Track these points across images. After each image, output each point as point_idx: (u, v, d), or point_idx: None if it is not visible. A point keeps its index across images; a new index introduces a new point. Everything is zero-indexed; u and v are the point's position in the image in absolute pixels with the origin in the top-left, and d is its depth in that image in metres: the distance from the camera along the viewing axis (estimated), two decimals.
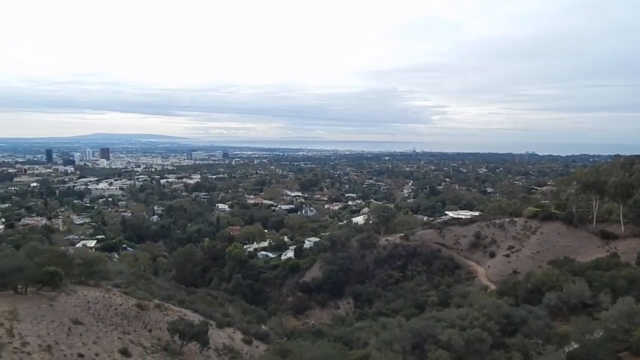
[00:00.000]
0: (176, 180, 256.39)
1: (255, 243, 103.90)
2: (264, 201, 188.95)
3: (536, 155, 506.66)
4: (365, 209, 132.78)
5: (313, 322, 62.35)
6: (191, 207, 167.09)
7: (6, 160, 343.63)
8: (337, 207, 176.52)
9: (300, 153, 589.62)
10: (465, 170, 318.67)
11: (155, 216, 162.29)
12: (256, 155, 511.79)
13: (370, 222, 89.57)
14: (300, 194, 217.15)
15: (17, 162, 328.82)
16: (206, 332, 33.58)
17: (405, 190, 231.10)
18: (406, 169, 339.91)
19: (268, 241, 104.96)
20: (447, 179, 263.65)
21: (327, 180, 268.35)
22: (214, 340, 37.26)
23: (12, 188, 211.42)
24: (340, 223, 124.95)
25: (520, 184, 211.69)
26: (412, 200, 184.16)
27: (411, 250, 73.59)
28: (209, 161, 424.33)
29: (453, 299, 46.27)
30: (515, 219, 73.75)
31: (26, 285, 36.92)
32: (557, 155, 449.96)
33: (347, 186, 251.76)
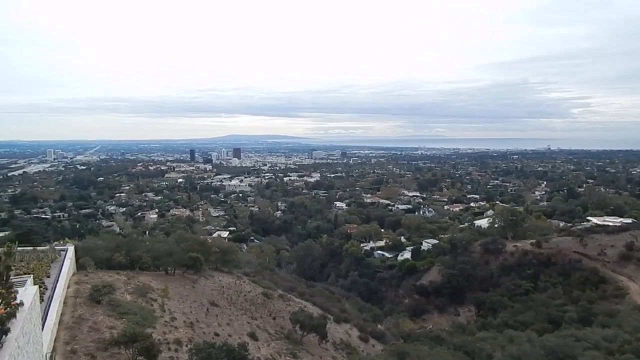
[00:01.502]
0: (297, 178, 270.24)
1: (371, 242, 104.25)
2: (381, 200, 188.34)
3: None
4: (490, 212, 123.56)
5: (430, 326, 60.25)
6: (311, 204, 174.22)
7: (159, 159, 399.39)
8: (457, 209, 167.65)
9: (419, 152, 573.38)
10: (613, 171, 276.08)
11: (279, 212, 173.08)
12: (373, 155, 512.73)
13: (496, 225, 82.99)
14: (418, 194, 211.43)
15: (167, 161, 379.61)
16: (325, 325, 34.79)
17: (537, 192, 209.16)
18: (538, 169, 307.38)
19: (385, 241, 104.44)
20: (590, 180, 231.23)
21: (447, 180, 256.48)
22: (332, 334, 38.40)
23: (164, 183, 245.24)
24: (461, 225, 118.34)
25: None
26: (545, 203, 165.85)
27: (544, 258, 66.43)
28: (328, 160, 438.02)
29: (597, 317, 40.58)
30: None
31: (174, 267, 42.47)
32: None
33: (469, 186, 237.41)
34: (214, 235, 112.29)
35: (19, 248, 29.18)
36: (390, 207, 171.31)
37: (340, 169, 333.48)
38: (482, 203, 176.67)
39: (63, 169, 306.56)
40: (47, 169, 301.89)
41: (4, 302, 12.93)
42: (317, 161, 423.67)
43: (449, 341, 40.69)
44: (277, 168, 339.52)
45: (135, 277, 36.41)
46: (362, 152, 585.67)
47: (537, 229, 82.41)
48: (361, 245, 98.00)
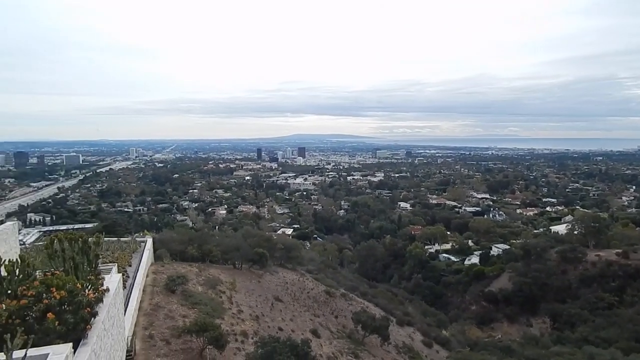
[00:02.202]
0: (361, 177, 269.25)
1: (436, 244, 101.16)
2: (447, 202, 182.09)
3: None
4: (569, 217, 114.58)
5: (500, 336, 57.17)
6: (374, 204, 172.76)
7: (228, 157, 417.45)
8: (531, 213, 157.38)
9: (489, 152, 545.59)
10: None
11: (342, 210, 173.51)
12: (440, 155, 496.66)
13: (575, 232, 76.80)
14: (487, 196, 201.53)
15: (236, 159, 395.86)
16: (387, 327, 34.33)
17: (624, 198, 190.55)
18: (626, 171, 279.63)
19: (451, 244, 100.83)
20: None
21: (520, 182, 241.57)
22: (394, 337, 37.80)
23: (233, 180, 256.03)
24: (535, 231, 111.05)
25: None
26: (634, 209, 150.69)
27: (632, 270, 60.43)
28: (392, 160, 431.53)
29: None
30: None
31: (241, 262, 44.16)
32: None
33: (545, 189, 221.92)
34: (278, 232, 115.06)
35: (105, 238, 31.96)
36: (457, 209, 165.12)
37: (404, 168, 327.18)
38: (560, 207, 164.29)
39: (143, 166, 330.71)
40: (129, 166, 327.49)
41: (93, 287, 14.22)
42: (381, 160, 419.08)
43: (520, 353, 38.36)
44: (341, 167, 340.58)
45: (206, 270, 38.35)
46: (427, 151, 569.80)
47: (624, 238, 75.01)
48: (425, 247, 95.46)
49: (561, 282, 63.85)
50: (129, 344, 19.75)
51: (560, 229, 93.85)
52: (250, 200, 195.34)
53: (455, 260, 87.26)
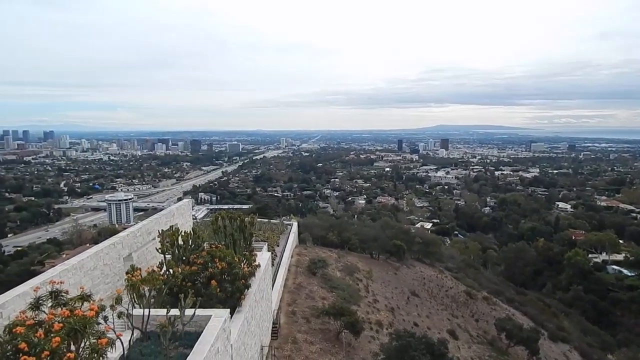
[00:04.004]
0: (511, 172, 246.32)
1: (604, 254, 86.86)
2: (621, 205, 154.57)
3: None
4: None
5: None
6: (526, 203, 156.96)
7: (369, 148, 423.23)
8: None
9: None
10: None
11: (487, 207, 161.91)
12: (613, 149, 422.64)
13: None
14: None
15: (376, 150, 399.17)
16: (537, 340, 30.90)
17: None
18: None
19: (623, 254, 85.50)
20: None
21: None
22: (545, 352, 33.85)
23: (372, 171, 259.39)
24: None
25: None
26: None
27: None
28: (551, 154, 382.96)
29: None
30: None
31: (379, 252, 44.53)
32: None
33: None
34: (417, 225, 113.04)
35: (258, 219, 35.43)
36: (635, 214, 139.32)
37: (565, 164, 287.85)
38: None
39: (291, 155, 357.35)
40: (279, 155, 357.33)
41: (247, 262, 15.88)
42: (536, 154, 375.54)
43: None
44: (488, 161, 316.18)
45: (345, 256, 39.69)
46: (597, 145, 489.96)
47: None
48: (589, 255, 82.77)
49: None
50: (275, 317, 21.61)
51: None
52: (389, 192, 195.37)
53: (630, 274, 73.98)
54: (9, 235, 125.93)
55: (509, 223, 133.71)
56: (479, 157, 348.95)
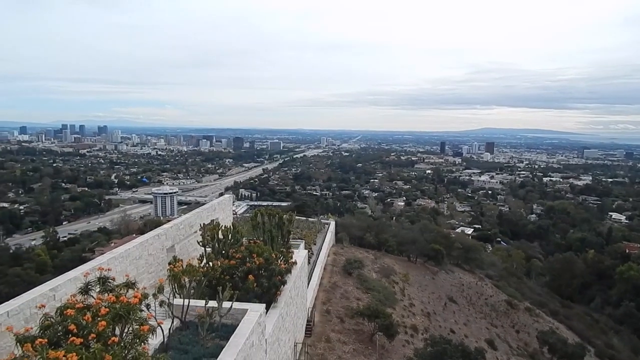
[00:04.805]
0: (561, 179, 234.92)
1: None
2: None
3: None
4: None
5: None
6: (575, 212, 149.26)
7: (410, 150, 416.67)
8: None
9: None
10: None
11: (533, 215, 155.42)
12: None
13: None
14: None
15: (418, 152, 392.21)
16: (582, 356, 29.36)
17: None
18: None
19: None
20: None
21: None
22: None
23: (413, 173, 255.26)
24: None
25: None
26: None
27: None
28: (605, 161, 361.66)
29: None
30: None
31: (416, 255, 43.78)
32: None
33: None
34: (457, 230, 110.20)
35: (296, 217, 35.76)
36: None
37: (621, 172, 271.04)
38: None
39: (331, 154, 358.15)
40: (319, 154, 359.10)
41: (284, 258, 16.08)
42: (589, 161, 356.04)
43: None
44: (536, 166, 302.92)
45: (381, 258, 39.32)
46: None
47: None
48: None
49: None
50: (309, 315, 21.76)
51: None
52: (430, 195, 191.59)
53: None
54: (63, 223, 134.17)
55: (557, 232, 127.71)
56: (526, 162, 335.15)
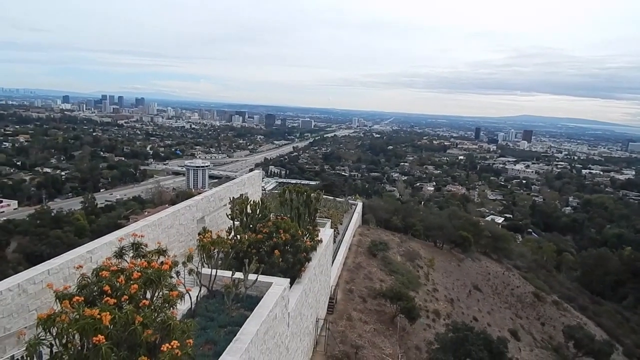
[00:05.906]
0: (601, 172, 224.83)
1: None
2: None
3: None
4: None
5: None
6: (614, 207, 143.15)
7: (443, 134, 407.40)
8: None
9: None
10: None
11: (569, 208, 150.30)
12: None
13: None
14: None
15: (451, 137, 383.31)
16: (609, 354, 28.64)
17: None
18: None
19: None
20: None
21: None
22: None
23: (444, 158, 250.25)
24: None
25: None
26: None
27: None
28: None
29: None
30: None
31: (443, 241, 43.35)
32: None
33: None
34: (487, 218, 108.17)
35: (323, 196, 35.94)
36: None
37: None
38: None
39: (362, 135, 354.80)
40: (350, 135, 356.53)
41: (310, 236, 16.26)
42: (634, 155, 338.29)
43: None
44: (575, 157, 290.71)
45: (407, 242, 39.15)
46: None
47: None
48: None
49: None
50: (332, 293, 22.06)
51: None
52: (461, 181, 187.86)
53: None
54: (101, 190, 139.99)
55: (592, 227, 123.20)
56: (565, 152, 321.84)
